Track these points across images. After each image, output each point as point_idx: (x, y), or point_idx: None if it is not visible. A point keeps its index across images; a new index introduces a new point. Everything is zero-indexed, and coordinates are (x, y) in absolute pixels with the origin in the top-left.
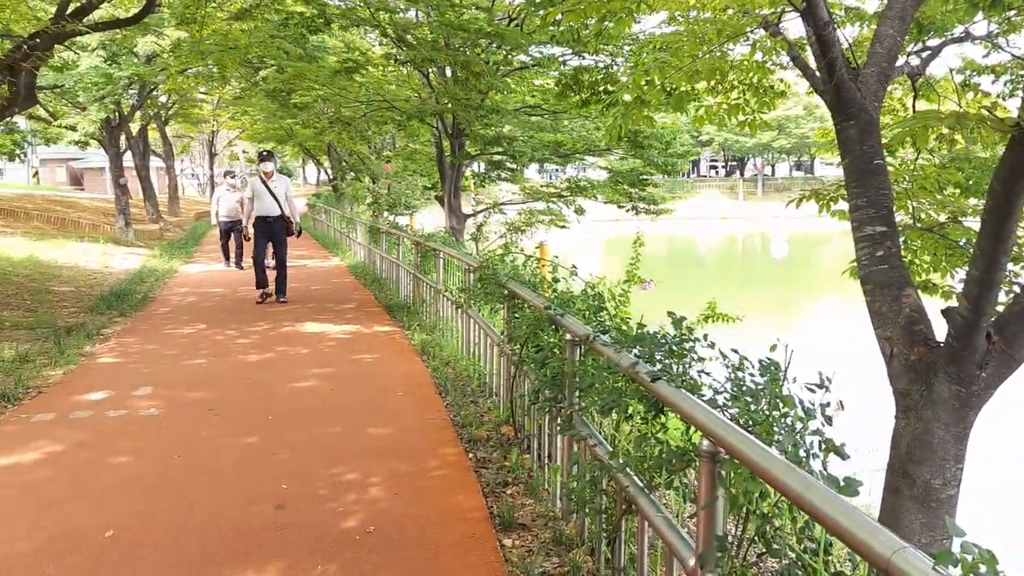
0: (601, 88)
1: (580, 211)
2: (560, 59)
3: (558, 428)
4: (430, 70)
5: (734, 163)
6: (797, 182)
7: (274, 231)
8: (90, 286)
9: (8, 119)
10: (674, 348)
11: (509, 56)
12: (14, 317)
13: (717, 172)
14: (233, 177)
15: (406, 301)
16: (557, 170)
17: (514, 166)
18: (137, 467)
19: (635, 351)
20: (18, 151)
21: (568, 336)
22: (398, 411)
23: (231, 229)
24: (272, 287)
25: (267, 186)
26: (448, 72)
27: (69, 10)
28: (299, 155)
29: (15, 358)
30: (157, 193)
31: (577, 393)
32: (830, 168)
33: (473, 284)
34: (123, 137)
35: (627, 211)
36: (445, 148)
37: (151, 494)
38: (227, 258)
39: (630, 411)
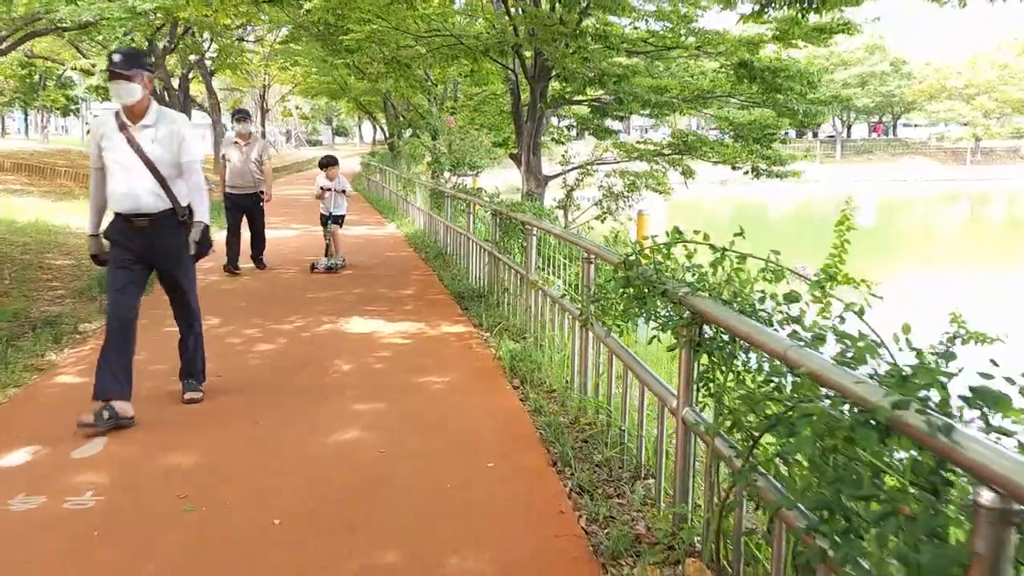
0: None
1: (689, 173)
2: None
3: None
4: None
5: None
6: (880, 144)
7: (248, 206)
8: None
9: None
10: None
11: None
12: None
13: (787, 133)
14: (245, 121)
15: (480, 287)
16: (619, 133)
17: (621, 113)
18: None
19: None
20: (72, 107)
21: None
22: (494, 511)
23: (245, 208)
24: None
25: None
26: None
27: None
28: (354, 112)
29: None
30: None
31: None
32: (909, 129)
33: (610, 290)
34: (160, 86)
35: (745, 173)
36: (523, 97)
37: None
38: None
39: None
